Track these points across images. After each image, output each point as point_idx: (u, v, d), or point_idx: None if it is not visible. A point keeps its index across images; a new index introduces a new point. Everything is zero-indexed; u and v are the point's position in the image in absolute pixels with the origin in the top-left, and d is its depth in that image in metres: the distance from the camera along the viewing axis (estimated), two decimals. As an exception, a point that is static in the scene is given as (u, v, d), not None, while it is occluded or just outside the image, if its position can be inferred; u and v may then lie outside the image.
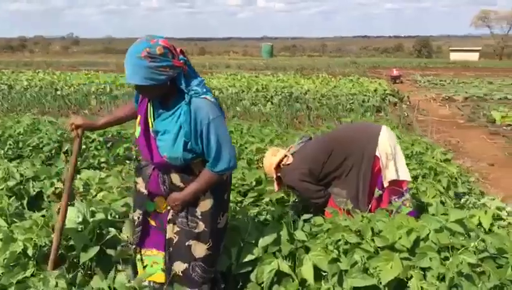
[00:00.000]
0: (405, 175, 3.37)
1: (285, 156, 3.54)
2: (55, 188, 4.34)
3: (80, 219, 3.14)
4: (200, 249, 2.57)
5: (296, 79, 20.74)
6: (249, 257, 2.86)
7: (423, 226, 2.87)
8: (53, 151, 5.78)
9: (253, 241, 2.92)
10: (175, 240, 2.58)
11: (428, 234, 2.84)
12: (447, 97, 15.94)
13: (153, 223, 2.68)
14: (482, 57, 70.35)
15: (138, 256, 2.76)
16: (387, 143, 3.32)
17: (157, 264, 2.70)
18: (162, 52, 2.21)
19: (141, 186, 2.66)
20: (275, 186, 3.66)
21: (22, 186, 4.19)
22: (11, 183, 4.14)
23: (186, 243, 2.55)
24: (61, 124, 6.88)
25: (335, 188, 3.40)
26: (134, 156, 5.62)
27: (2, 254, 2.92)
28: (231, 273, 2.93)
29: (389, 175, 3.30)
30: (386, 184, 3.32)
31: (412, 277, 2.74)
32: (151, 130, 2.48)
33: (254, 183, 4.17)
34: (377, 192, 3.29)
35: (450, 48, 75.59)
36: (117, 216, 3.34)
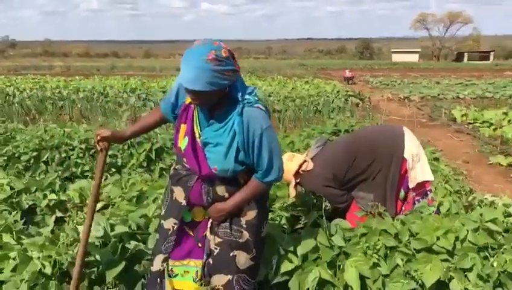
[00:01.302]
0: (429, 175, 3.37)
1: (305, 161, 3.45)
2: (49, 201, 4.06)
3: (101, 233, 2.93)
4: (244, 260, 2.43)
5: (253, 81, 20.76)
6: (288, 266, 2.76)
7: (461, 227, 2.87)
8: (31, 161, 5.41)
9: (292, 249, 2.82)
10: (216, 252, 2.44)
11: (466, 235, 2.84)
12: (403, 97, 16.40)
13: (190, 232, 2.52)
14: (421, 58, 73.42)
15: (168, 266, 2.59)
16: (412, 144, 3.31)
17: (188, 273, 2.55)
18: (227, 55, 2.08)
19: (178, 196, 2.49)
20: (291, 192, 3.57)
21: (13, 199, 3.88)
22: (1, 196, 3.83)
23: (231, 254, 2.41)
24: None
25: (360, 192, 3.34)
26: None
27: (19, 275, 2.67)
28: (268, 283, 2.82)
29: (416, 177, 3.29)
30: (411, 185, 3.31)
31: (452, 278, 2.74)
32: (198, 140, 2.33)
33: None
34: (402, 193, 3.27)
35: (392, 50, 78.46)
36: (135, 228, 3.15)
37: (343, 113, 11.65)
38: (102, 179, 5.11)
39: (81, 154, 5.54)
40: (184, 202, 2.44)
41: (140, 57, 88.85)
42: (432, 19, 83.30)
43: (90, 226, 2.59)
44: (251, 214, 2.43)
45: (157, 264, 2.51)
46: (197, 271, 2.49)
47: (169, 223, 2.52)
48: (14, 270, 2.71)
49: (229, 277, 2.42)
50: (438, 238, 2.83)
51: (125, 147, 5.62)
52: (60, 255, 2.76)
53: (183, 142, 2.36)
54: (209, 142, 2.29)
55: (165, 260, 2.53)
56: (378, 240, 2.87)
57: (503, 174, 6.58)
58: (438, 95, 17.36)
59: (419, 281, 2.72)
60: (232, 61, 2.11)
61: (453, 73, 36.33)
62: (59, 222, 4.04)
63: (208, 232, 2.47)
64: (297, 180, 3.48)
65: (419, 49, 76.78)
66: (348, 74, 24.70)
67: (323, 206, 3.21)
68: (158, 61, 56.43)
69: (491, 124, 10.31)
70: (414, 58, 70.76)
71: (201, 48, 2.05)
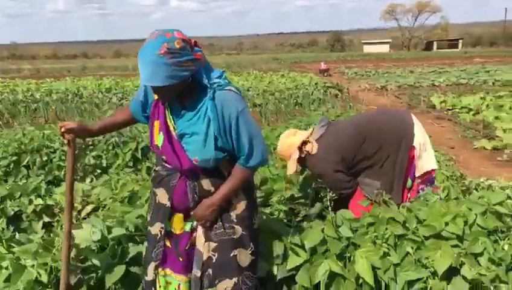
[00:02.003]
0: (434, 164, 3.31)
1: (308, 142, 3.32)
2: (35, 206, 3.88)
3: (98, 236, 2.78)
4: (244, 257, 2.33)
5: (228, 76, 20.57)
6: (297, 260, 2.66)
7: (468, 211, 2.82)
8: (11, 166, 5.19)
9: (298, 243, 2.72)
10: (215, 258, 2.30)
11: (475, 219, 2.80)
12: (381, 87, 16.50)
13: (168, 243, 2.38)
14: (392, 48, 74.30)
15: (158, 275, 2.45)
16: (420, 133, 3.24)
17: (170, 285, 2.42)
18: (182, 46, 1.95)
19: (162, 198, 2.34)
20: (290, 168, 3.40)
21: (-2, 207, 3.70)
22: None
23: (231, 254, 2.29)
24: None
25: (366, 178, 3.24)
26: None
27: (14, 285, 2.52)
28: (272, 279, 2.72)
29: (423, 166, 3.22)
30: (418, 174, 3.25)
31: (463, 263, 2.69)
32: (173, 133, 2.21)
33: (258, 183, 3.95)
34: (409, 182, 3.21)
35: (363, 41, 79.19)
36: (133, 230, 3.00)
37: (324, 105, 11.63)
38: (88, 181, 4.97)
39: (63, 157, 5.33)
40: (168, 203, 2.31)
41: (111, 57, 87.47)
42: (401, 9, 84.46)
43: (70, 227, 2.42)
44: (240, 207, 2.32)
45: (150, 273, 2.40)
46: (179, 285, 2.37)
47: (157, 229, 2.38)
48: (7, 280, 2.55)
49: (235, 279, 2.30)
50: (447, 224, 2.78)
51: (110, 148, 5.45)
52: (55, 261, 2.60)
53: (159, 139, 2.24)
54: (184, 133, 2.17)
55: (157, 268, 2.41)
56: (386, 229, 2.80)
57: (488, 157, 6.64)
58: (414, 83, 17.55)
59: (431, 269, 2.67)
60: (189, 51, 1.99)
61: (424, 62, 36.82)
62: (47, 227, 3.87)
63: (198, 242, 2.33)
64: (300, 155, 3.35)
65: (389, 40, 77.67)
66: (323, 66, 24.79)
67: (328, 197, 3.10)
68: (130, 60, 55.55)
69: (470, 109, 10.44)
70: (385, 48, 71.55)
71: (153, 42, 1.94)
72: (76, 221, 3.98)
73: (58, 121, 10.25)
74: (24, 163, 5.22)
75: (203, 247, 2.31)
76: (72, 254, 2.78)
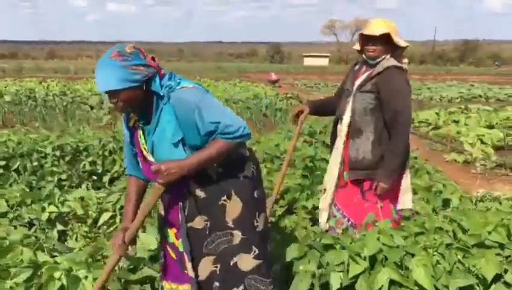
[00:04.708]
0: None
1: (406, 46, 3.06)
2: (50, 213, 3.68)
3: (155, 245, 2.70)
4: (246, 261, 2.23)
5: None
6: (357, 269, 2.70)
7: (508, 221, 3.00)
8: (0, 171, 4.89)
9: (357, 253, 2.77)
10: (218, 270, 2.23)
11: (515, 228, 2.97)
12: (336, 99, 16.93)
13: (172, 254, 2.33)
14: (331, 62, 76.56)
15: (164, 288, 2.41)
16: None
17: None
18: (132, 51, 2.02)
19: (161, 208, 2.34)
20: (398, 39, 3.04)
21: (13, 214, 3.48)
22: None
23: (231, 263, 2.22)
24: None
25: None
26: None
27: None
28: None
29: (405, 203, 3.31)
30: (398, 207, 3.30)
31: (507, 270, 2.84)
32: (146, 154, 2.20)
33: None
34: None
35: (304, 54, 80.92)
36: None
37: (288, 115, 11.79)
38: (84, 187, 4.74)
39: (56, 162, 5.08)
40: (163, 212, 2.29)
41: (44, 58, 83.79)
42: (340, 25, 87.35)
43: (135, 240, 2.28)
44: (236, 209, 2.21)
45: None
46: None
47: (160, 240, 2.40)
48: (61, 291, 2.43)
49: (242, 286, 2.24)
50: (490, 233, 2.93)
51: (106, 153, 5.26)
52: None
53: (141, 165, 2.26)
54: (153, 147, 2.16)
55: (161, 281, 2.42)
56: (434, 238, 2.92)
57: (463, 170, 7.01)
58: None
59: (479, 276, 2.81)
60: (141, 57, 2.03)
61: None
62: (60, 236, 3.70)
63: (202, 265, 2.24)
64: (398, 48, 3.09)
65: (329, 54, 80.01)
66: (273, 76, 25.14)
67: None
68: (68, 62, 53.64)
69: (430, 123, 10.96)
70: (324, 62, 73.60)
71: (107, 52, 2.03)
72: (93, 230, 3.84)
73: (17, 126, 9.73)
74: (14, 167, 4.92)
75: (205, 262, 2.24)
76: (124, 264, 2.69)
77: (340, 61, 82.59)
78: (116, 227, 3.80)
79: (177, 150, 2.08)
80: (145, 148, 2.18)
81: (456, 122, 10.86)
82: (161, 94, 2.06)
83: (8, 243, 2.68)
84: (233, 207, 2.20)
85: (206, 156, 2.05)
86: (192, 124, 2.04)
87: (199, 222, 2.20)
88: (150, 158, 2.16)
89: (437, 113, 11.92)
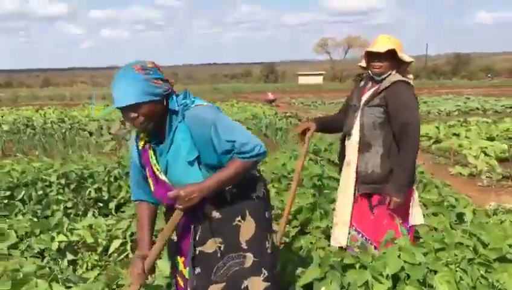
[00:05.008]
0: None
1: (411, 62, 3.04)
2: (59, 243, 3.62)
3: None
4: (256, 285, 2.20)
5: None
6: (381, 288, 2.65)
7: (529, 233, 2.96)
8: (5, 201, 4.82)
9: (379, 272, 2.71)
10: None
11: (536, 241, 2.93)
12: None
13: (181, 283, 2.28)
14: (325, 80, 76.94)
15: None
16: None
17: None
18: (153, 66, 2.02)
19: (174, 235, 2.25)
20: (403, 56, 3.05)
21: (23, 246, 3.42)
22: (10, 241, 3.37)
23: (242, 286, 2.16)
24: None
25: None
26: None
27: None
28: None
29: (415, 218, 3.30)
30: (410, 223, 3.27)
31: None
32: (158, 174, 2.13)
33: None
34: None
35: (298, 73, 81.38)
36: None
37: (289, 134, 11.78)
38: (90, 215, 4.67)
39: (61, 190, 5.02)
40: (175, 238, 2.23)
41: (39, 86, 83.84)
42: (332, 43, 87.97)
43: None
44: (249, 230, 2.18)
45: None
46: None
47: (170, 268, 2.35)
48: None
49: None
50: (510, 246, 2.89)
51: (112, 179, 5.20)
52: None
53: (151, 186, 2.17)
54: (166, 167, 2.11)
55: None
56: (455, 254, 2.87)
57: (469, 183, 6.96)
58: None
59: (503, 290, 2.76)
60: (159, 72, 2.03)
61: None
62: (70, 265, 3.63)
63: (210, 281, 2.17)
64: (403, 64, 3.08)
65: (323, 72, 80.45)
66: (270, 96, 25.22)
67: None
68: (63, 89, 53.71)
69: (430, 137, 10.96)
70: (319, 80, 73.89)
71: (125, 66, 1.99)
72: (103, 258, 3.77)
73: (18, 155, 9.67)
74: (19, 197, 4.86)
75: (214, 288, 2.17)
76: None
77: (334, 78, 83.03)
78: (127, 254, 3.74)
79: (192, 168, 2.05)
80: (157, 169, 2.13)
81: (457, 135, 10.86)
82: (177, 110, 2.04)
83: (21, 275, 2.62)
84: (247, 228, 2.17)
85: (224, 176, 2.03)
86: (208, 141, 2.02)
87: (211, 245, 2.15)
88: (163, 177, 2.12)
89: (437, 127, 11.93)
